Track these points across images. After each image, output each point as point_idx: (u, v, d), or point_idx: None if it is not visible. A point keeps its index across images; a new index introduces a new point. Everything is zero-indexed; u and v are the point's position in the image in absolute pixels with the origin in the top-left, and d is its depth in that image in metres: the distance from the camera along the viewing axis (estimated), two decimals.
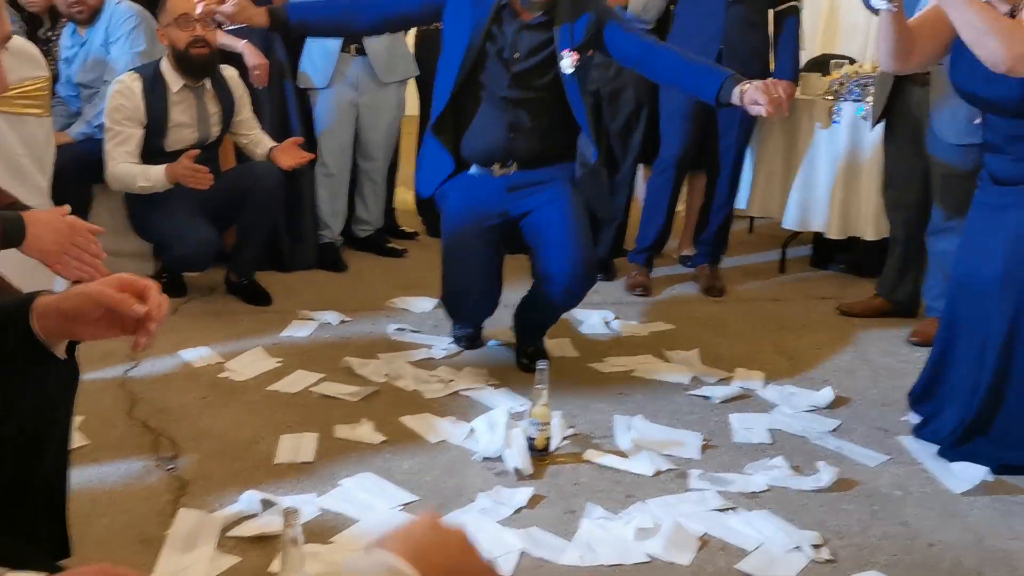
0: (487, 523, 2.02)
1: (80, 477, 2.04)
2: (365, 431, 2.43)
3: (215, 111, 3.43)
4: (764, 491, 2.20)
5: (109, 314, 1.22)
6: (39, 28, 3.76)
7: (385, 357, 2.94)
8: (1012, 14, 2.18)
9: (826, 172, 3.93)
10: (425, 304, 3.44)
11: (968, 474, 2.30)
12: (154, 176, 3.22)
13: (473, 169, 2.82)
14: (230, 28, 3.21)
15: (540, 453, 2.30)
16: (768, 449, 2.44)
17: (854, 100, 3.82)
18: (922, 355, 2.74)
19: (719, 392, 2.75)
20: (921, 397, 2.58)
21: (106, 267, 1.70)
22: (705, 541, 1.99)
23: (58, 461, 1.46)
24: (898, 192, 3.44)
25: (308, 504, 2.05)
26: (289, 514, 1.55)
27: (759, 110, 2.49)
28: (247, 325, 3.21)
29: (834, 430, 2.57)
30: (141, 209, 3.37)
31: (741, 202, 4.16)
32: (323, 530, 1.98)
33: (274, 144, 3.50)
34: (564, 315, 3.01)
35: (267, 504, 2.04)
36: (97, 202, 3.47)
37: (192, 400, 2.61)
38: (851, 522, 2.10)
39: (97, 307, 1.21)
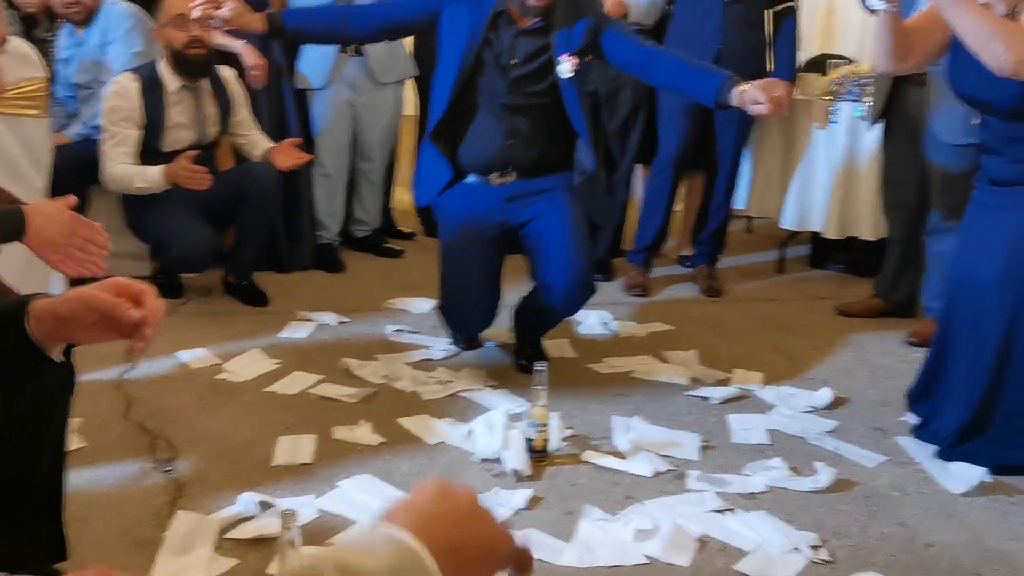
0: None
1: (76, 479, 2.03)
2: (363, 432, 2.43)
3: (212, 112, 3.42)
4: (762, 492, 2.20)
5: (104, 318, 1.22)
6: (36, 29, 3.75)
7: (383, 358, 2.94)
8: (1011, 15, 2.17)
9: (824, 172, 3.93)
10: (423, 305, 3.43)
11: (966, 475, 2.30)
12: (151, 177, 3.21)
13: (471, 178, 2.81)
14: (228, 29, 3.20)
15: (538, 454, 2.30)
16: (766, 450, 2.44)
17: (852, 100, 3.82)
18: (920, 355, 2.74)
19: (717, 393, 2.75)
20: (919, 397, 2.58)
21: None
22: (704, 542, 1.99)
23: (56, 462, 1.46)
24: (896, 192, 3.44)
25: (306, 506, 2.05)
26: (287, 516, 1.54)
27: (760, 109, 2.48)
28: (245, 326, 3.20)
29: (832, 431, 2.57)
30: (138, 210, 3.36)
31: (739, 202, 4.16)
32: (321, 532, 1.98)
33: (272, 145, 3.49)
34: None
35: (265, 506, 2.04)
36: (94, 203, 3.47)
37: (189, 401, 2.60)
38: (849, 523, 2.10)
39: (92, 311, 1.21)
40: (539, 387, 2.27)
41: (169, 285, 3.49)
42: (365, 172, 4.05)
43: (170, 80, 3.31)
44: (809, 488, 2.22)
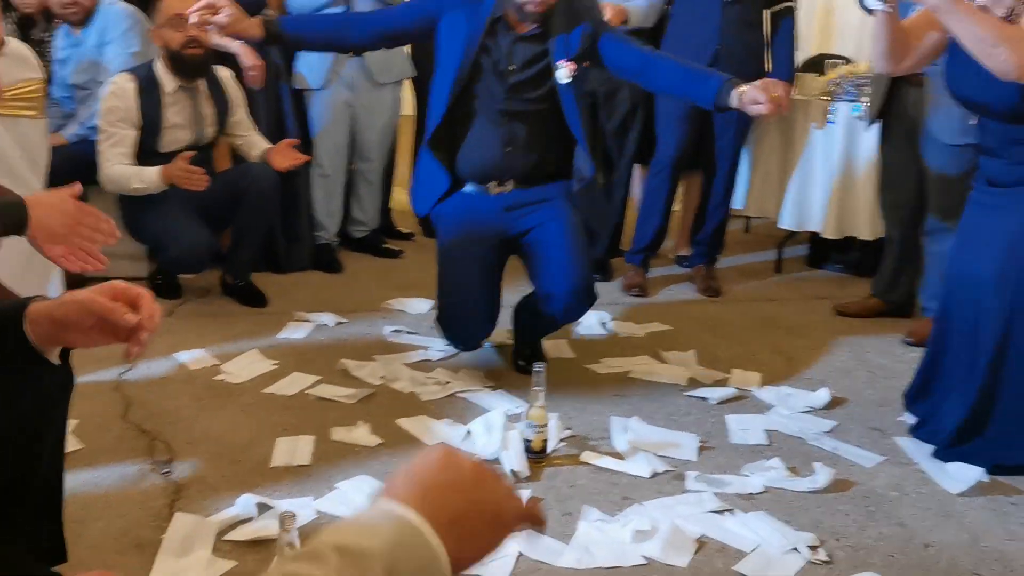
0: None
1: (75, 481, 2.03)
2: (362, 434, 2.42)
3: (210, 112, 3.42)
4: (761, 492, 2.20)
5: (101, 322, 1.22)
6: (33, 29, 3.74)
7: (381, 359, 2.94)
8: (1009, 17, 2.16)
9: (822, 172, 3.93)
10: (421, 305, 3.43)
11: (964, 475, 2.30)
12: (149, 177, 3.21)
13: (469, 187, 2.81)
14: None
15: (537, 455, 2.30)
16: (765, 450, 2.44)
17: (850, 100, 3.82)
18: (918, 355, 2.74)
19: (716, 393, 2.75)
20: (916, 397, 2.58)
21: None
22: (702, 543, 1.99)
23: (55, 463, 1.46)
24: (894, 192, 3.44)
25: (305, 507, 2.04)
26: (285, 518, 1.54)
27: (760, 109, 2.48)
28: (243, 327, 3.20)
29: (830, 431, 2.57)
30: (135, 211, 3.35)
31: (737, 202, 4.16)
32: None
33: (269, 145, 3.49)
34: None
35: (263, 508, 2.04)
36: (91, 204, 3.45)
37: (187, 403, 2.60)
38: (847, 523, 2.10)
39: (89, 315, 1.21)
40: (537, 388, 2.27)
41: (167, 286, 3.49)
42: (363, 172, 4.05)
43: (167, 80, 3.31)
44: (807, 488, 2.22)
